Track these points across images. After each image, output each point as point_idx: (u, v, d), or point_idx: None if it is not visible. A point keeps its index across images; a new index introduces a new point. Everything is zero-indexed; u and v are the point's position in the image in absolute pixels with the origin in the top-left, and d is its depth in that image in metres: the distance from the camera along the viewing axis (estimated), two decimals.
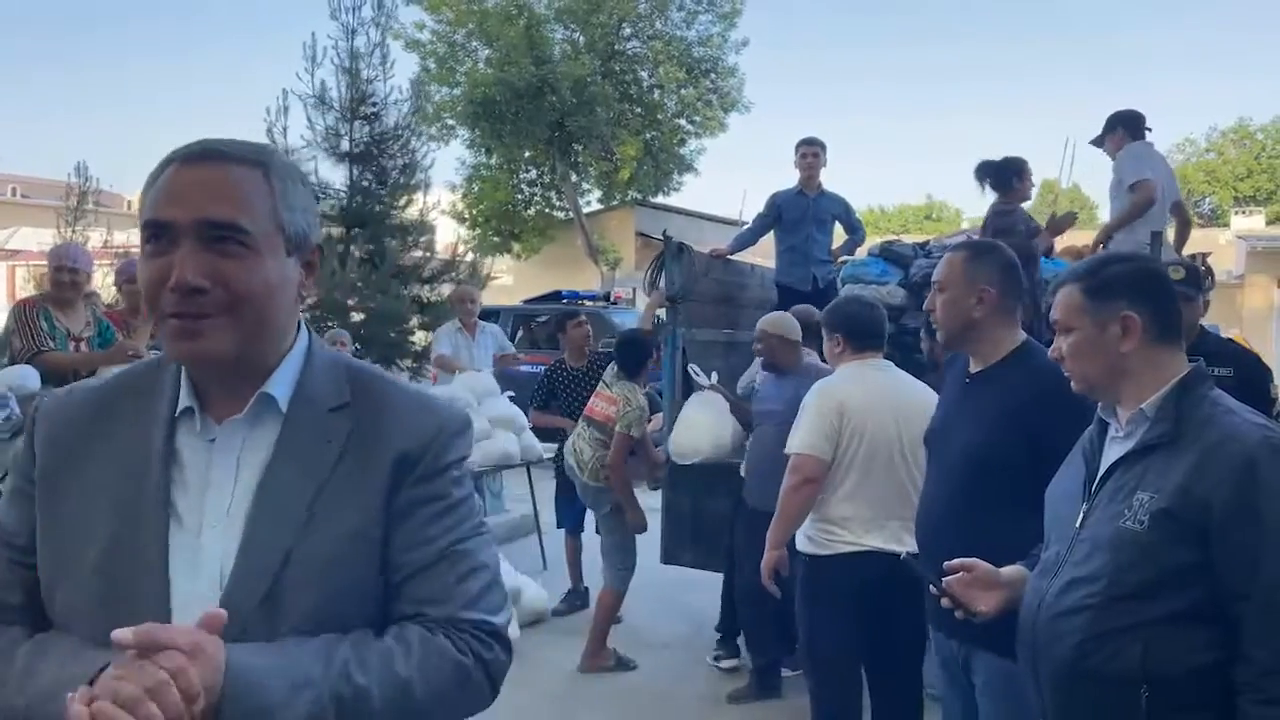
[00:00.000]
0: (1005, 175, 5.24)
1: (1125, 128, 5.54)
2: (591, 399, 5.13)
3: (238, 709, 0.89)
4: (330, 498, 1.08)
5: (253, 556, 1.05)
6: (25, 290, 12.98)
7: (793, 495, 3.25)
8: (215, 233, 1.04)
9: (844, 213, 6.42)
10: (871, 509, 3.18)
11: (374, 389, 1.17)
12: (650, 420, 5.45)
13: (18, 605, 1.12)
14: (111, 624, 1.01)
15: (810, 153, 6.22)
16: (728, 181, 20.82)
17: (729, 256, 6.36)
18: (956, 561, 1.87)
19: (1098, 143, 5.71)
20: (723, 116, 20.95)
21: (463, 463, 1.18)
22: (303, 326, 1.19)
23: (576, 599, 5.65)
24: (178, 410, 1.12)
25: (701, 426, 4.84)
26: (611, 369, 5.11)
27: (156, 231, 1.05)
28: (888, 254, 6.59)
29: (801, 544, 3.29)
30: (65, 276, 4.17)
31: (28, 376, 3.63)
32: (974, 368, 2.40)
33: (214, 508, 1.08)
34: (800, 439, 3.25)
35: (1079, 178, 43.20)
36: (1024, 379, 2.26)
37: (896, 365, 3.59)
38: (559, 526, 5.93)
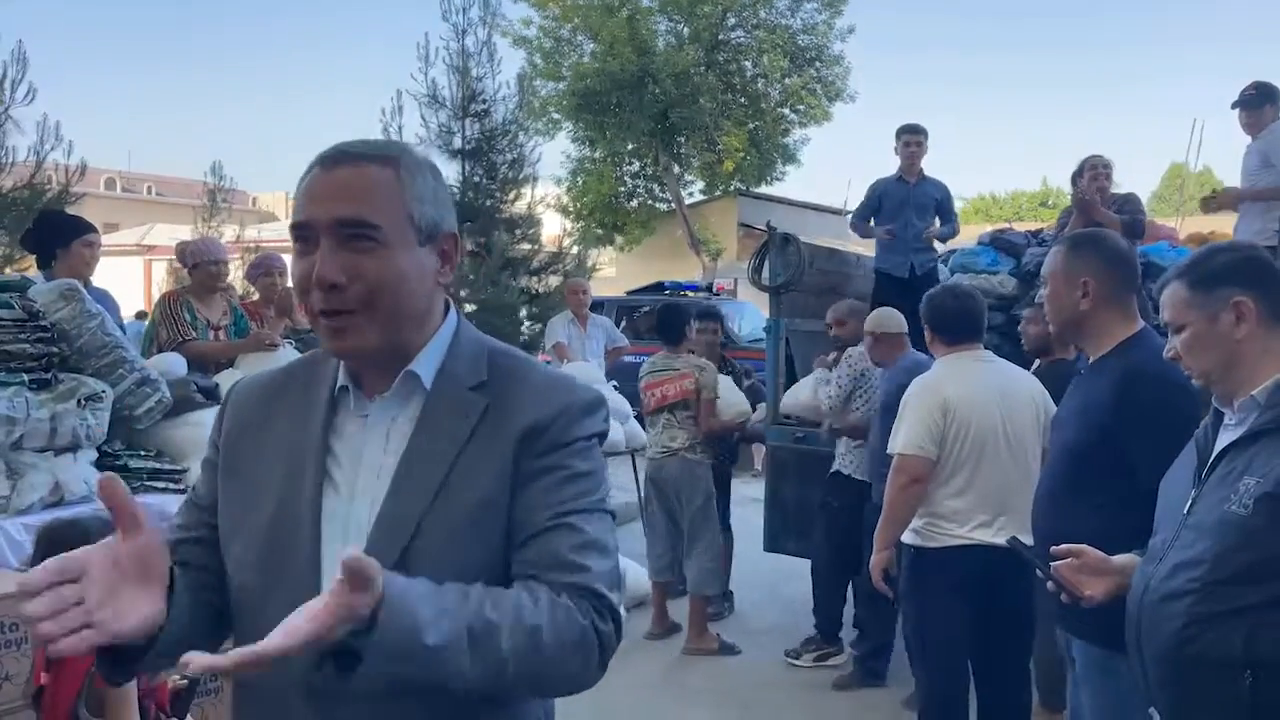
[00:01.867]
0: (1074, 178, 5.57)
1: (1274, 104, 5.13)
2: (654, 390, 5.11)
3: (391, 621, 0.96)
4: (464, 469, 1.15)
5: (387, 524, 1.13)
6: (162, 284, 13.84)
7: (900, 495, 3.22)
8: (348, 230, 1.11)
9: (942, 199, 6.28)
10: (982, 503, 3.16)
11: (510, 368, 1.23)
12: (754, 410, 5.50)
13: (190, 560, 1.25)
14: (270, 578, 1.17)
15: (913, 141, 6.12)
16: (832, 170, 20.55)
17: (834, 248, 6.35)
18: (1065, 546, 1.88)
19: (1248, 103, 5.19)
20: (827, 105, 20.67)
21: (591, 440, 1.21)
22: (451, 310, 1.25)
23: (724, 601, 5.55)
24: (335, 390, 1.22)
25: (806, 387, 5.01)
26: (660, 355, 5.20)
27: (301, 233, 1.15)
28: (998, 243, 6.45)
29: (907, 536, 3.27)
30: (212, 269, 4.46)
31: (175, 363, 3.91)
32: (1090, 359, 2.39)
33: (365, 477, 1.17)
34: (904, 438, 3.21)
35: (1209, 160, 40.77)
36: (1114, 373, 2.24)
37: (1009, 356, 3.55)
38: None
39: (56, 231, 3.96)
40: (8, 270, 4.90)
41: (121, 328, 4.16)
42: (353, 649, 0.95)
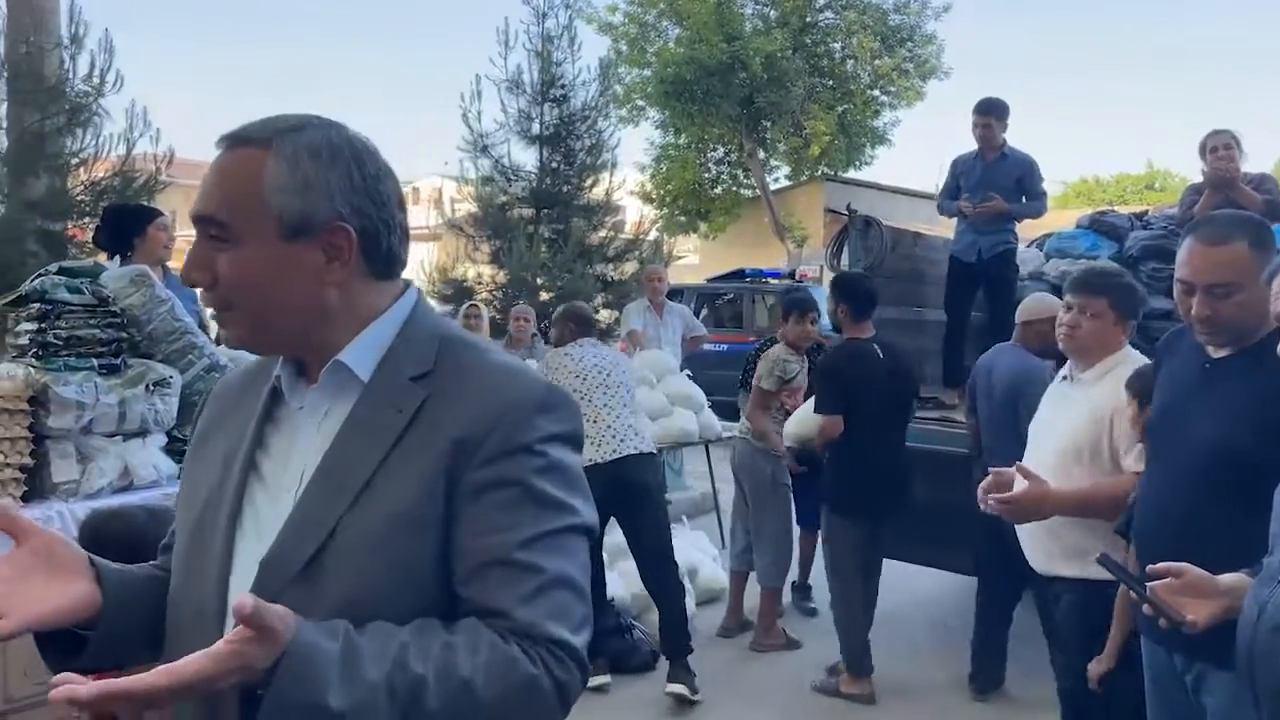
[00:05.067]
0: (1203, 151, 5.03)
1: None
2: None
3: (288, 680, 0.88)
4: (392, 471, 1.03)
5: (300, 524, 1.03)
6: None
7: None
8: (206, 229, 1.07)
9: (1025, 175, 5.70)
10: None
11: (459, 358, 1.10)
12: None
13: (162, 564, 1.22)
14: (186, 579, 1.11)
15: (981, 123, 5.69)
16: (925, 152, 19.97)
17: (920, 231, 6.08)
18: (1163, 565, 1.67)
19: None
20: (920, 85, 20.11)
21: (548, 444, 1.05)
22: (408, 293, 1.15)
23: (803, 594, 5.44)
24: (274, 379, 1.15)
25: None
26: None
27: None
28: (1099, 226, 6.09)
29: (1077, 568, 2.73)
30: None
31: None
32: (1216, 352, 2.12)
33: (292, 474, 1.08)
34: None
35: None
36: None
37: None
38: (797, 523, 5.45)
39: (130, 222, 4.05)
40: (101, 257, 5.02)
41: (200, 316, 4.24)
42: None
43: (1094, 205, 21.63)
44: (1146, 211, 6.38)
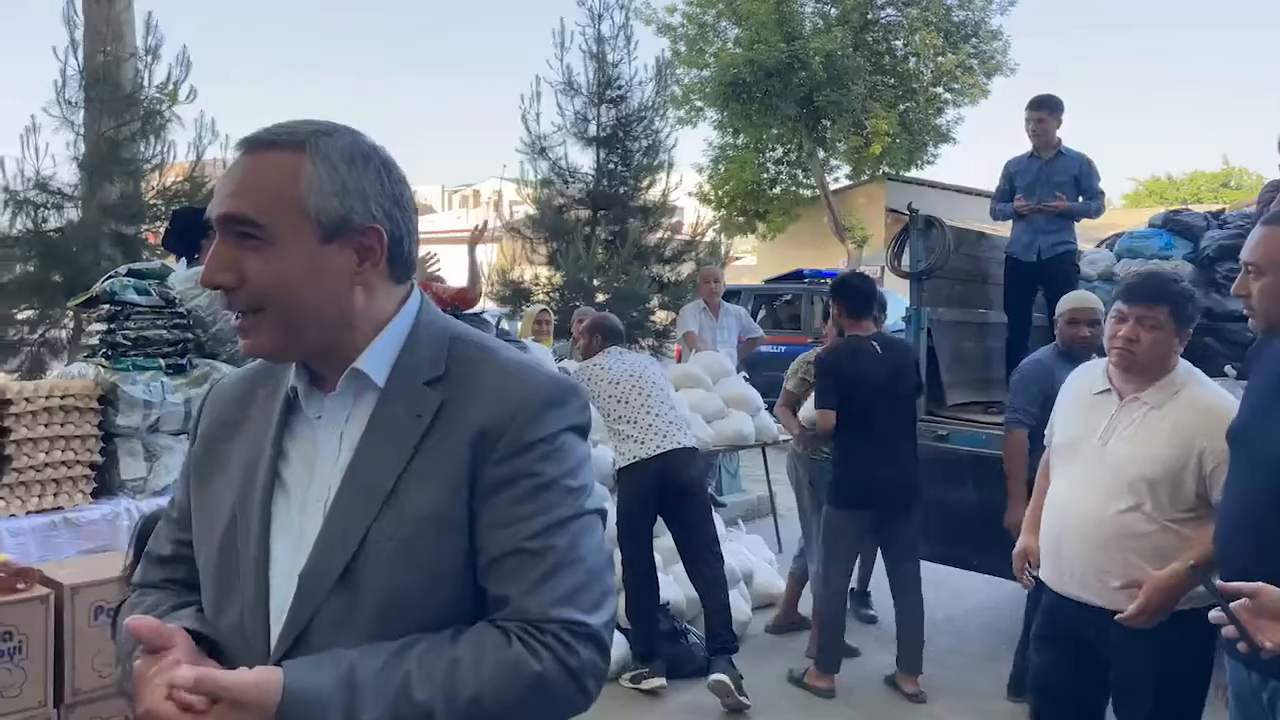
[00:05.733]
0: None
1: None
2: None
3: None
4: (415, 476, 1.04)
5: (332, 535, 1.04)
6: None
7: None
8: (234, 229, 1.05)
9: (1082, 174, 5.56)
10: None
11: (470, 359, 1.11)
12: None
13: (169, 576, 1.21)
14: (221, 593, 1.09)
15: (1034, 118, 5.54)
16: (990, 150, 19.55)
17: (983, 231, 5.92)
18: (1235, 585, 1.59)
19: None
20: (984, 82, 19.71)
21: (559, 437, 1.07)
22: (414, 298, 1.15)
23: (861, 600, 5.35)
24: (290, 390, 1.13)
25: None
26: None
27: (211, 228, 1.08)
28: (1173, 225, 5.88)
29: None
30: None
31: None
32: None
33: (317, 485, 1.08)
34: None
35: None
36: None
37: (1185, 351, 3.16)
38: None
39: (196, 225, 4.13)
40: (170, 259, 5.17)
41: None
42: None
43: (1166, 204, 20.99)
44: (1223, 210, 6.14)
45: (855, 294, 4.39)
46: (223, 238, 1.06)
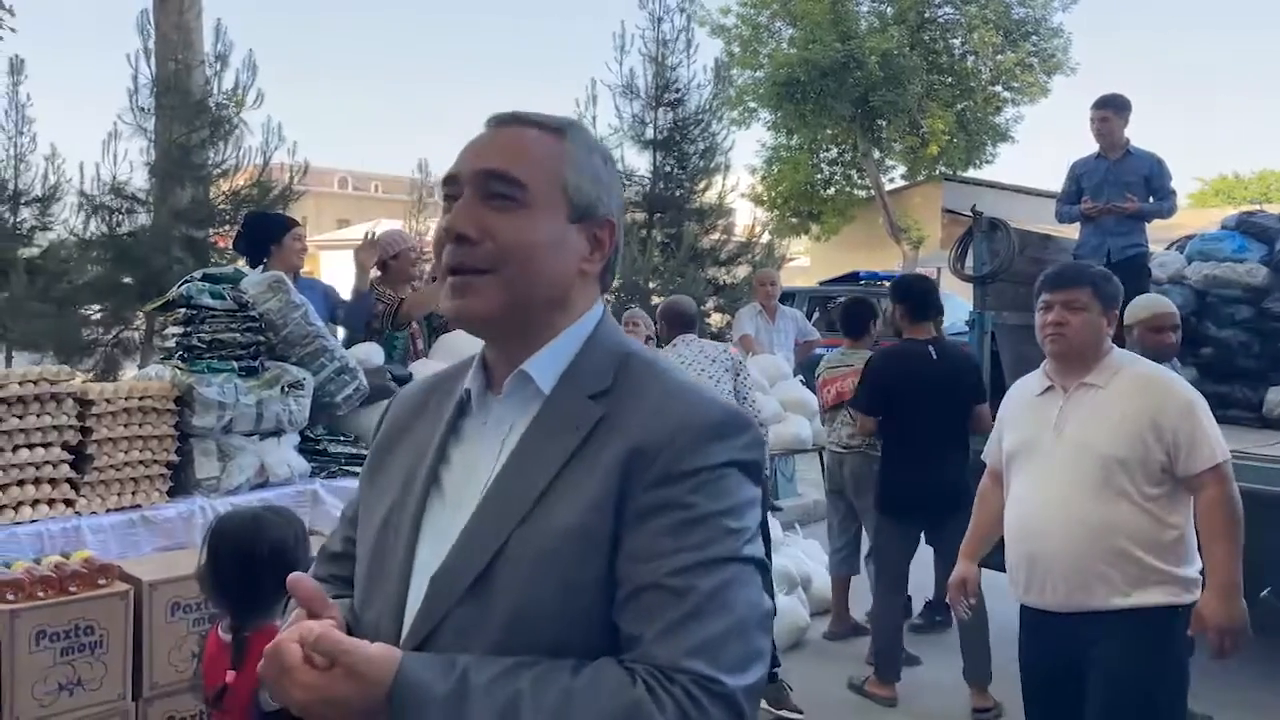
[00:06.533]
0: None
1: None
2: (830, 387, 5.00)
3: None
4: (564, 488, 1.00)
5: (472, 539, 1.01)
6: None
7: (1239, 511, 2.47)
8: (492, 185, 1.05)
9: (1153, 174, 5.44)
10: None
11: (637, 376, 1.06)
12: None
13: (334, 572, 1.22)
14: (368, 586, 1.10)
15: (1098, 117, 5.42)
16: (1050, 150, 19.20)
17: (1049, 234, 5.81)
18: None
19: None
20: (1045, 80, 19.33)
21: (722, 470, 0.99)
22: (597, 307, 1.13)
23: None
24: (463, 392, 1.13)
25: None
26: (839, 350, 5.10)
27: (449, 188, 1.09)
28: (1246, 227, 5.70)
29: (1157, 596, 2.44)
30: (412, 255, 4.73)
31: (373, 352, 4.07)
32: None
33: (472, 487, 1.06)
34: (1220, 441, 2.49)
35: None
36: None
37: (1260, 355, 3.06)
38: None
39: (268, 230, 4.24)
40: (241, 263, 5.31)
41: (334, 317, 4.41)
42: None
43: (1235, 204, 20.35)
44: None
45: (915, 296, 4.34)
46: (472, 193, 1.06)
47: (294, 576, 1.02)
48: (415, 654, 0.96)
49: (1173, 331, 3.79)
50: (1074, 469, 2.48)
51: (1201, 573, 2.48)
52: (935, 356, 4.18)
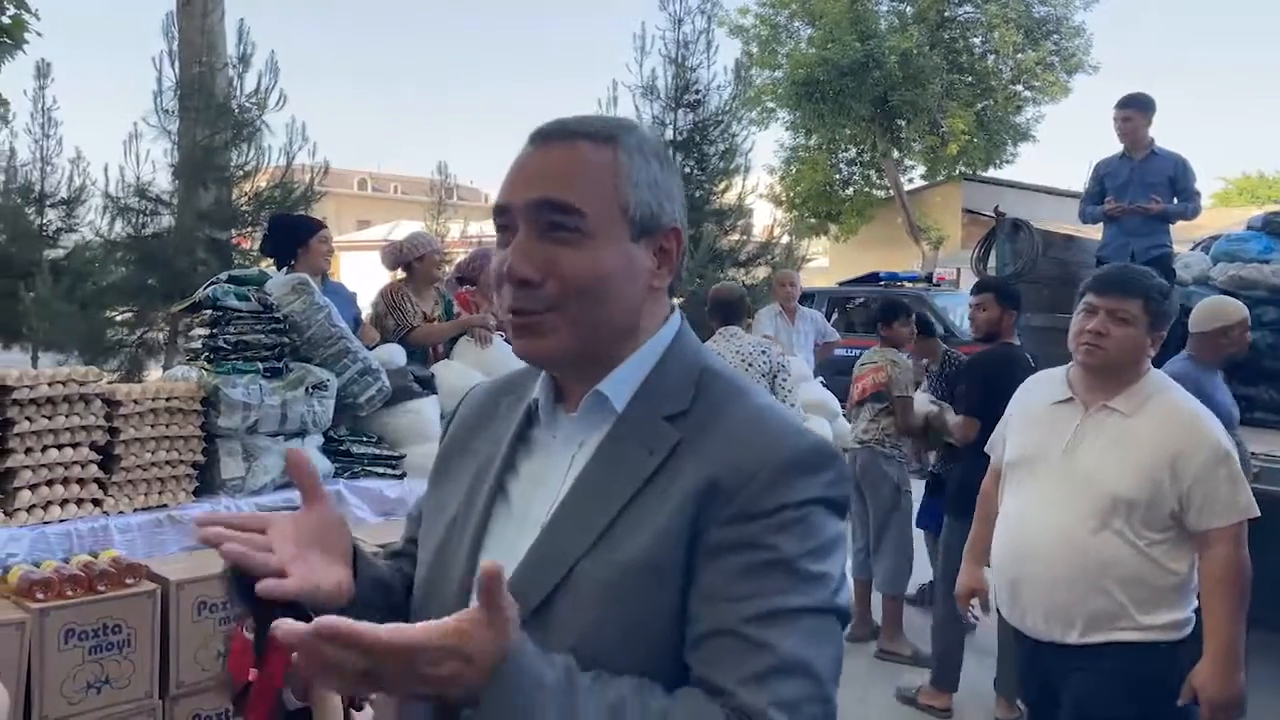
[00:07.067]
0: None
1: None
2: (858, 383, 5.02)
3: (502, 692, 0.80)
4: (634, 516, 0.94)
5: (537, 564, 0.96)
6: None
7: (1248, 575, 2.25)
8: (548, 217, 0.96)
9: (1178, 174, 5.44)
10: None
11: (718, 398, 1.00)
12: None
13: (395, 569, 1.18)
14: (428, 594, 1.05)
15: (1122, 116, 5.39)
16: (1071, 149, 19.05)
17: (1072, 234, 5.77)
18: None
19: None
20: (1066, 80, 19.19)
21: (808, 508, 0.92)
22: (673, 318, 1.06)
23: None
24: (530, 404, 1.08)
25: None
26: (873, 349, 5.11)
27: (501, 219, 1.00)
28: (1273, 226, 5.64)
29: (1135, 636, 2.27)
30: (437, 258, 4.74)
31: (395, 353, 4.10)
32: None
33: (539, 504, 1.01)
34: (1240, 498, 2.24)
35: None
36: None
37: None
38: (918, 525, 5.33)
39: (294, 233, 4.28)
40: (267, 264, 5.36)
41: (356, 320, 4.45)
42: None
43: (1259, 203, 20.12)
44: None
45: (1013, 298, 4.25)
46: (528, 229, 0.97)
47: (293, 450, 0.98)
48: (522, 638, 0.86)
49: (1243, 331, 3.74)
50: (1077, 500, 2.28)
51: (1197, 611, 2.29)
52: (1034, 362, 4.08)
